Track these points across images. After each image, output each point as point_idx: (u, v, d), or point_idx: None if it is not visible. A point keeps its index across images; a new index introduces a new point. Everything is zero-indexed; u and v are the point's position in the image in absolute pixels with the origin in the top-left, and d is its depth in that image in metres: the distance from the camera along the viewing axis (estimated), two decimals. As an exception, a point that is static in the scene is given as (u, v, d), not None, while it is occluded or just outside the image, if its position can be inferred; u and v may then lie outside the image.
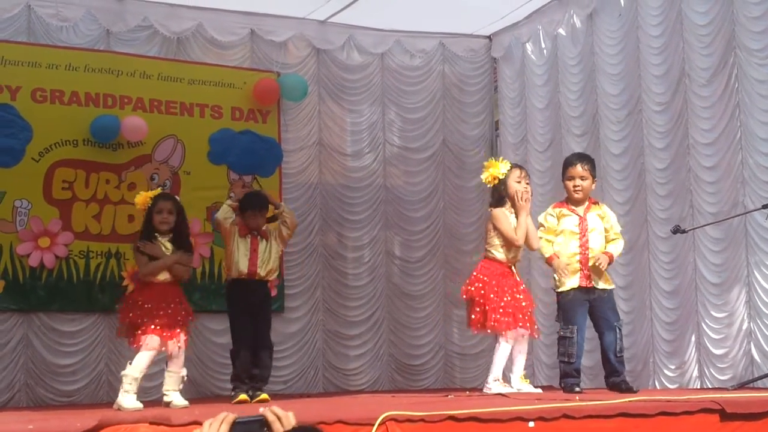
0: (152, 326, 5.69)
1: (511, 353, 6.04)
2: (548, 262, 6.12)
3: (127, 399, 5.59)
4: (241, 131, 8.48)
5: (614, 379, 5.96)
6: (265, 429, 2.28)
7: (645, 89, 7.62)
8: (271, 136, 8.60)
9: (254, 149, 8.44)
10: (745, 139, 6.86)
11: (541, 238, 6.14)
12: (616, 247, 6.16)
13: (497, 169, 6.16)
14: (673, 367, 7.42)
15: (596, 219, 6.14)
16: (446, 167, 9.33)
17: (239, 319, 6.30)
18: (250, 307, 6.27)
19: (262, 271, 6.28)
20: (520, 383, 5.93)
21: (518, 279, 6.22)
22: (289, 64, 8.77)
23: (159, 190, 6.27)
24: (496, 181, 6.18)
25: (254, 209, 6.33)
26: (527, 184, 6.21)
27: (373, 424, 3.05)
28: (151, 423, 2.79)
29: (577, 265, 6.05)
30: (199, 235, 8.01)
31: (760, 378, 6.34)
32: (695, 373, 7.26)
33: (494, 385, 5.91)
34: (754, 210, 6.53)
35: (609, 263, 6.08)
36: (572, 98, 8.36)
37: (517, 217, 6.11)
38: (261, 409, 2.31)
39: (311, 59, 8.89)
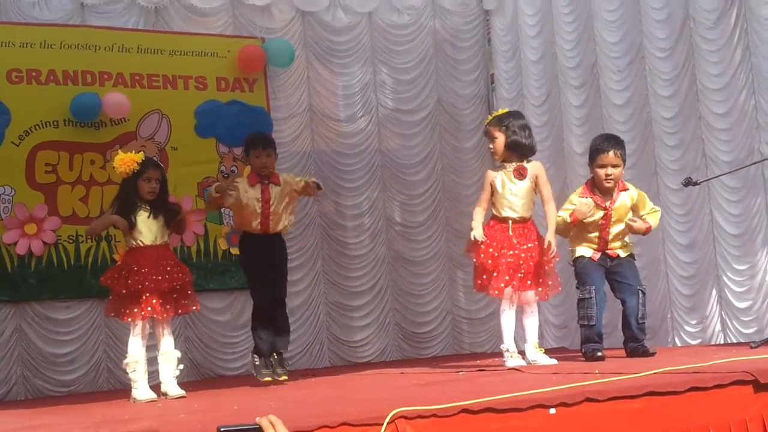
0: (144, 297, 5.37)
1: (520, 320, 5.74)
2: (574, 222, 5.84)
3: (139, 390, 5.37)
4: (228, 102, 8.19)
5: (632, 344, 5.80)
6: None
7: (647, 35, 7.37)
8: (259, 104, 8.31)
9: (243, 120, 8.12)
10: (757, 81, 6.65)
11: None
12: (654, 219, 5.96)
13: None
14: (694, 322, 7.27)
15: (624, 206, 5.86)
16: (442, 127, 9.05)
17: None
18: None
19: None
20: (534, 354, 5.63)
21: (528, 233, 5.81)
22: (274, 29, 8.46)
23: (142, 154, 5.75)
24: None
25: (257, 148, 6.04)
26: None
27: (381, 424, 2.79)
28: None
29: (595, 246, 5.84)
30: (191, 212, 7.72)
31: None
32: (717, 327, 7.12)
33: (506, 356, 5.64)
34: (772, 157, 6.29)
35: (644, 232, 5.93)
36: (568, 48, 8.07)
37: None
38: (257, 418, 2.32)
39: (296, 22, 8.57)
